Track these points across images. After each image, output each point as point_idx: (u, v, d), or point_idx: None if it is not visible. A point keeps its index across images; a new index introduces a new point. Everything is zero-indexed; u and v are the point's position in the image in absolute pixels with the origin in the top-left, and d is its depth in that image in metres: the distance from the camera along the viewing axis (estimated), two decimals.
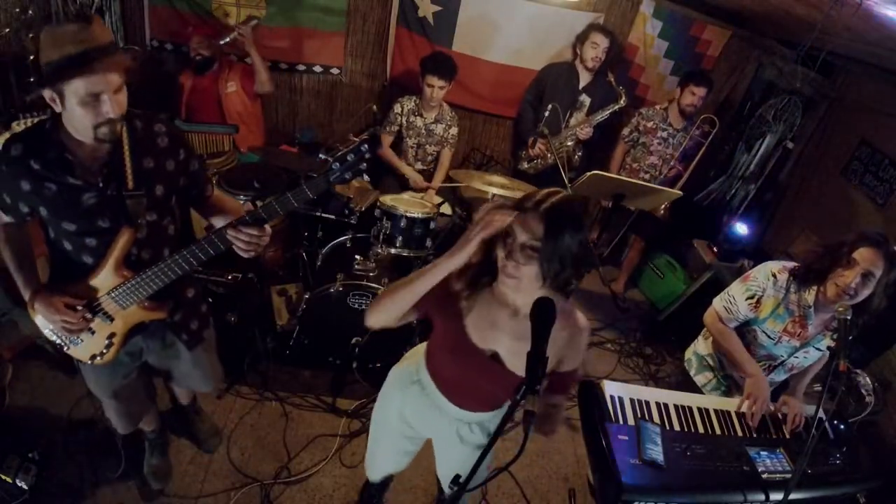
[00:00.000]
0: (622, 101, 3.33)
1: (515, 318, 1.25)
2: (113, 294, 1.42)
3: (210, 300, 2.49)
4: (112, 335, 1.50)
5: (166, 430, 2.20)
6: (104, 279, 1.40)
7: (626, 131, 3.50)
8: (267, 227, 1.35)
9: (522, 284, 1.16)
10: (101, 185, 1.32)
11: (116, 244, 1.36)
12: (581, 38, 3.36)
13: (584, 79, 3.44)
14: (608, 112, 3.37)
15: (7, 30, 2.65)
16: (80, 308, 1.40)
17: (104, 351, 1.52)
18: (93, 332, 1.48)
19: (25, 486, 1.91)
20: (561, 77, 3.44)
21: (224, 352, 2.52)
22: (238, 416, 2.41)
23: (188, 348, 1.69)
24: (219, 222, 1.55)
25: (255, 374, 2.60)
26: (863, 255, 1.62)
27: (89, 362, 1.54)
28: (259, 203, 2.49)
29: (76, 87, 1.17)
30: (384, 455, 1.77)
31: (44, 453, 2.03)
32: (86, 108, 1.19)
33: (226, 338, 2.52)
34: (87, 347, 1.51)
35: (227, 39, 2.99)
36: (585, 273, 1.25)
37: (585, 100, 3.48)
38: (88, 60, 1.15)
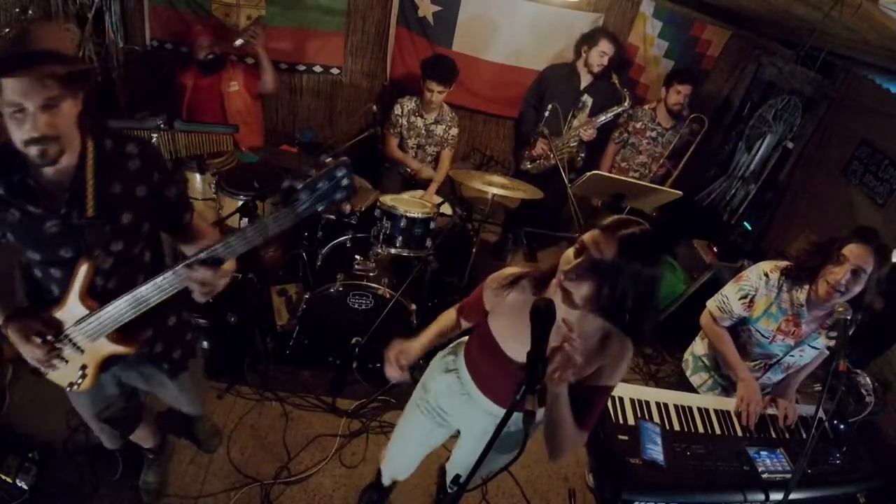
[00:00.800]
0: (626, 104, 3.32)
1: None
2: (79, 326, 1.32)
3: (200, 318, 2.45)
4: (84, 367, 1.42)
5: (166, 449, 2.14)
6: (71, 310, 1.31)
7: (615, 133, 3.49)
8: (225, 266, 1.21)
9: (575, 299, 1.13)
10: (63, 212, 1.21)
11: (76, 276, 1.27)
12: (589, 43, 3.33)
13: (586, 80, 3.43)
14: (612, 114, 3.35)
15: (7, 30, 2.65)
16: (49, 339, 1.32)
17: (79, 381, 1.44)
18: (66, 362, 1.40)
19: (25, 486, 1.91)
20: (562, 78, 3.43)
21: (224, 352, 2.54)
22: (238, 416, 2.41)
23: (170, 377, 1.62)
24: (192, 252, 1.45)
25: (255, 374, 2.60)
26: (852, 251, 1.62)
27: (67, 389, 1.46)
28: (259, 202, 2.49)
29: (2, 96, 1.06)
30: (408, 439, 1.79)
31: (44, 453, 2.03)
32: (11, 121, 1.09)
33: (226, 338, 2.54)
34: (63, 375, 1.44)
35: (240, 42, 2.98)
36: (647, 319, 1.16)
37: (588, 100, 3.47)
38: (8, 66, 1.04)
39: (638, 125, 3.40)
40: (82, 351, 1.39)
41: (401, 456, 1.87)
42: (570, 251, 1.16)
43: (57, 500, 1.98)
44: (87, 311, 1.30)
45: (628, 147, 3.48)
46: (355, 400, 2.57)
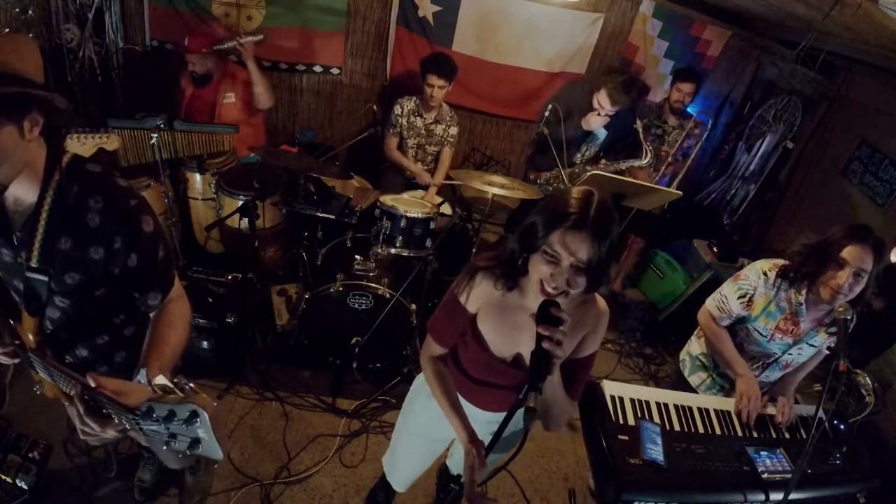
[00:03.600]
0: (646, 160, 2.98)
1: None
2: (32, 358, 1.18)
3: (200, 318, 2.41)
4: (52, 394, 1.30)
5: None
6: (26, 337, 1.20)
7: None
8: (113, 428, 0.97)
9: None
10: (15, 244, 1.11)
11: (21, 318, 1.15)
12: (596, 85, 2.92)
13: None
14: (630, 163, 3.04)
15: (7, 30, 2.65)
16: (13, 345, 1.18)
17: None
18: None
19: (25, 486, 1.90)
20: (576, 104, 2.99)
21: (224, 352, 2.53)
22: (238, 416, 2.41)
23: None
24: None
25: (255, 374, 2.60)
26: (851, 253, 1.62)
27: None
28: (259, 202, 2.48)
29: None
30: (407, 459, 1.78)
31: (44, 453, 2.03)
32: None
33: (226, 338, 2.53)
34: (49, 388, 1.33)
35: (227, 46, 2.86)
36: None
37: (601, 133, 3.14)
38: None
39: (644, 122, 3.39)
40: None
41: (405, 473, 1.85)
42: None
43: (57, 500, 1.97)
44: (34, 345, 1.19)
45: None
46: (355, 400, 2.57)
